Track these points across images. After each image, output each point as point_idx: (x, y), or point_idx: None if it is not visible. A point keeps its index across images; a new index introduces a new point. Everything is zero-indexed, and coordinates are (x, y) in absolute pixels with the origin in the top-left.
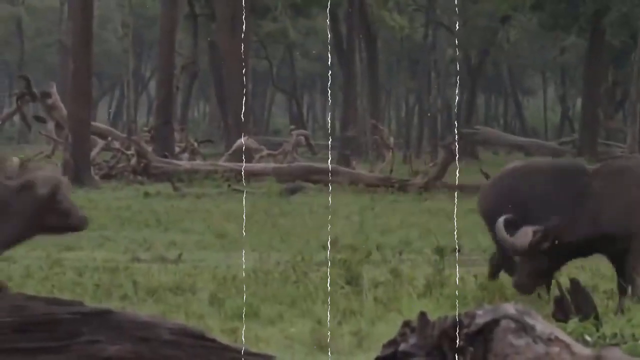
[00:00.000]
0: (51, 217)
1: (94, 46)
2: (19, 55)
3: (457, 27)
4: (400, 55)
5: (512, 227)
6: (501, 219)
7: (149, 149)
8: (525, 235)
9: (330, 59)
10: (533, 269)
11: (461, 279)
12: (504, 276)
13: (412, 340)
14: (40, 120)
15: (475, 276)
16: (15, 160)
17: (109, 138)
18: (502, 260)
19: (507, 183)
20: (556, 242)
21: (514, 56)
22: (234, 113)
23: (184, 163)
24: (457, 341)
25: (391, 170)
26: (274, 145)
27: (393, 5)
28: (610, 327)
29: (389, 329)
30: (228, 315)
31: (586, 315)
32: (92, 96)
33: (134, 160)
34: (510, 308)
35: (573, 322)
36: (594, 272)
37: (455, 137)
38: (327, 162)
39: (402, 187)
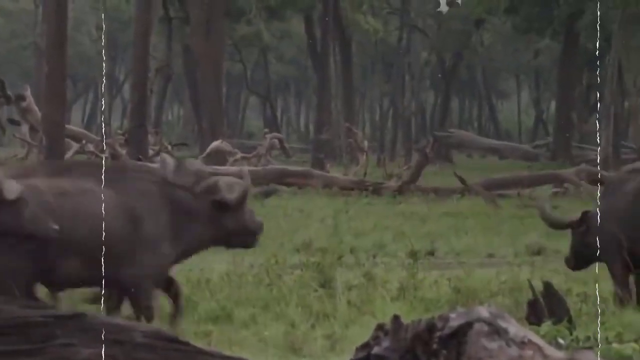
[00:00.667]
0: (234, 223)
1: (68, 49)
2: None
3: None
4: (374, 58)
5: None
6: (543, 198)
7: (123, 152)
8: (574, 215)
9: (304, 62)
10: (574, 249)
11: (435, 282)
12: (477, 279)
13: (386, 343)
14: (14, 123)
15: (449, 279)
16: (197, 163)
17: (83, 141)
18: (573, 262)
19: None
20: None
21: (488, 59)
22: (208, 116)
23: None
24: (431, 344)
25: (365, 174)
26: (248, 148)
27: (367, 8)
28: (583, 330)
29: (362, 332)
30: (202, 318)
31: (559, 318)
32: (66, 99)
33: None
34: (483, 311)
35: (546, 325)
36: (567, 275)
37: (429, 140)
38: (301, 166)
39: (376, 190)
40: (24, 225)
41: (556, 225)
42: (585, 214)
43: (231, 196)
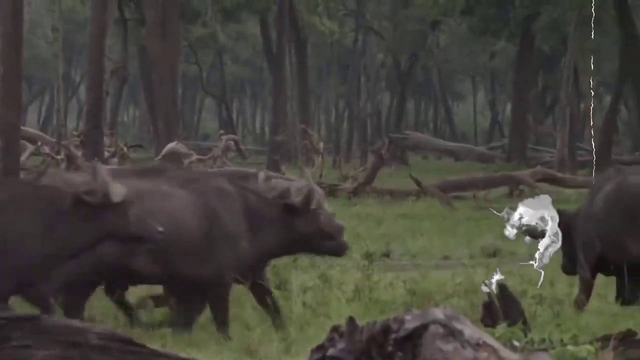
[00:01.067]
0: (307, 226)
1: (24, 51)
2: None
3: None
4: (330, 60)
5: None
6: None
7: (79, 153)
8: None
9: (260, 64)
10: (565, 252)
11: (390, 284)
12: (432, 281)
13: (341, 345)
14: None
15: (404, 281)
16: (264, 172)
17: (39, 143)
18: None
19: None
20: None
21: (444, 61)
22: (163, 118)
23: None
24: (386, 346)
25: (321, 175)
26: (204, 150)
27: (323, 10)
28: (538, 332)
29: (317, 334)
30: (157, 320)
31: (514, 320)
32: (21, 100)
33: (63, 165)
34: (438, 313)
35: (501, 327)
36: (522, 277)
37: (384, 142)
38: (257, 167)
39: (332, 191)
40: (130, 227)
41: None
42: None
43: (297, 199)
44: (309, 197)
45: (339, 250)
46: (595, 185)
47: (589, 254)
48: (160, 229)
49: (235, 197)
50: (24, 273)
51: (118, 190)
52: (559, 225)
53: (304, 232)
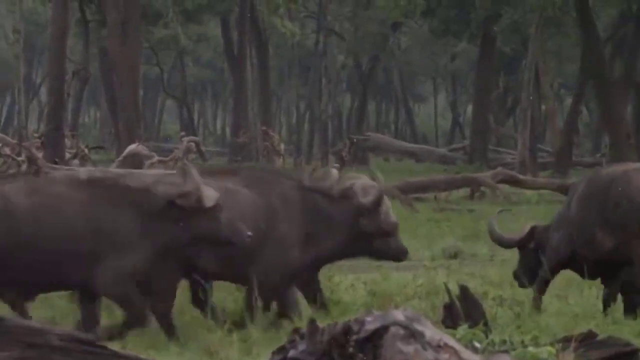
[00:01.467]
0: (370, 226)
1: None
2: None
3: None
4: (291, 61)
5: None
6: (493, 216)
7: (40, 155)
8: (522, 231)
9: (221, 65)
10: (526, 265)
11: (351, 285)
12: (393, 282)
13: (302, 346)
14: None
15: (365, 283)
16: (334, 171)
17: (0, 144)
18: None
19: None
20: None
21: (405, 63)
22: (124, 119)
23: (75, 169)
24: (347, 348)
25: None
26: (165, 151)
27: (284, 11)
28: (499, 333)
29: (278, 336)
30: (118, 322)
31: (475, 321)
32: None
33: (24, 167)
34: (399, 315)
35: (462, 329)
36: (483, 278)
37: (345, 143)
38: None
39: None
40: (221, 231)
41: (507, 245)
42: (533, 229)
43: (367, 199)
44: (379, 197)
45: (399, 255)
46: (573, 186)
47: (555, 256)
48: (249, 233)
49: (299, 198)
50: None
51: (211, 194)
52: (531, 238)
53: (368, 232)
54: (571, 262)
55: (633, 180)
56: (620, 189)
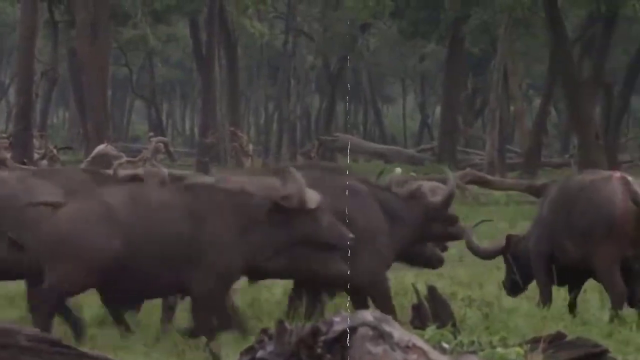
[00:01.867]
0: (438, 225)
1: None
2: None
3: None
4: (260, 62)
5: None
6: (470, 228)
7: (8, 155)
8: (498, 242)
9: (190, 66)
10: (508, 275)
11: None
12: None
13: (270, 347)
14: None
15: None
16: (398, 170)
17: None
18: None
19: None
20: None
21: (374, 64)
22: (93, 120)
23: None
24: (315, 349)
25: None
26: (134, 152)
27: (253, 12)
28: (467, 334)
29: (247, 337)
30: (87, 322)
31: (444, 322)
32: None
33: None
34: (367, 315)
35: (431, 330)
36: (452, 279)
37: (314, 144)
38: (186, 169)
39: None
40: (323, 233)
41: (484, 256)
42: (509, 239)
43: (437, 199)
44: (450, 197)
45: (437, 263)
46: (545, 189)
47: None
48: (350, 235)
49: (367, 196)
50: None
51: (313, 197)
52: (508, 248)
53: (436, 234)
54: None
55: (599, 190)
56: (587, 198)
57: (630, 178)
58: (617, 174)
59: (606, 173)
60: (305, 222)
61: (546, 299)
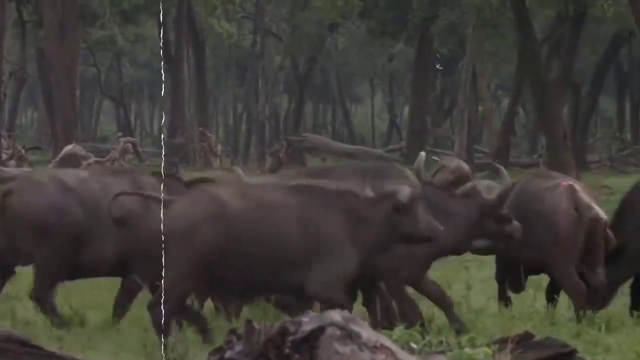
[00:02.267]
0: (491, 223)
1: None
2: None
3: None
4: (228, 62)
5: None
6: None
7: None
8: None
9: (158, 66)
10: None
11: None
12: None
13: (239, 347)
14: None
15: None
16: (422, 155)
17: None
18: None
19: None
20: None
21: (342, 64)
22: (61, 120)
23: (11, 170)
24: (283, 349)
25: None
26: (102, 152)
27: (221, 12)
28: (436, 334)
29: (215, 337)
30: (55, 322)
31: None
32: None
33: None
34: (335, 315)
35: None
36: None
37: (282, 144)
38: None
39: None
40: (420, 228)
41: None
42: None
43: (490, 197)
44: (505, 195)
45: None
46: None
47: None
48: (442, 227)
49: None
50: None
51: (405, 192)
52: None
53: (490, 232)
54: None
55: (546, 199)
56: (535, 209)
57: (577, 186)
58: (566, 182)
59: (556, 181)
60: (404, 217)
61: (502, 296)
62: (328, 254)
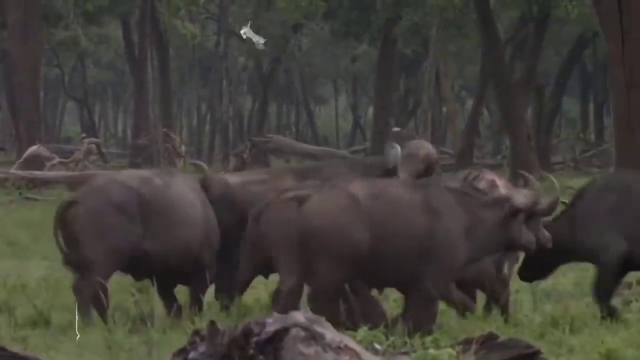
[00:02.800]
0: (517, 231)
1: None
2: None
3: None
4: (192, 63)
5: None
6: None
7: None
8: None
9: (122, 67)
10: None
11: (252, 287)
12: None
13: (202, 348)
14: None
15: (266, 284)
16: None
17: None
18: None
19: None
20: None
21: (306, 64)
22: (25, 121)
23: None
24: (247, 350)
25: None
26: (66, 153)
27: (185, 13)
28: (400, 335)
29: (179, 338)
30: (19, 323)
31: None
32: None
33: None
34: (299, 316)
35: (363, 331)
36: None
37: (246, 145)
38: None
39: None
40: (522, 235)
41: None
42: None
43: (522, 201)
44: (535, 201)
45: None
46: None
47: None
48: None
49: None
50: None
51: (523, 198)
52: None
53: (512, 238)
54: None
55: None
56: None
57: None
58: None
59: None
60: (514, 223)
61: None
62: (445, 251)
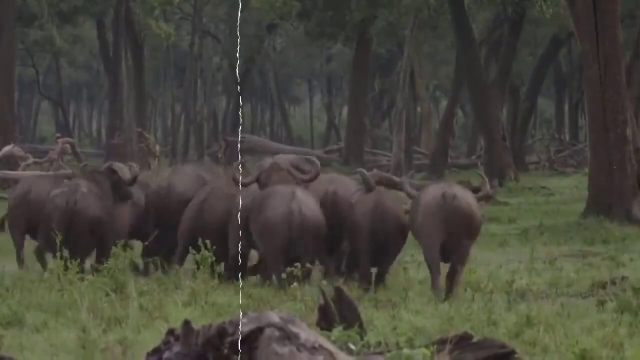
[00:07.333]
0: None
1: None
2: None
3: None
4: (166, 63)
5: None
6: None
7: None
8: None
9: (97, 67)
10: None
11: (227, 287)
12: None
13: (177, 348)
14: None
15: (242, 285)
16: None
17: None
18: None
19: None
20: None
21: (281, 65)
22: None
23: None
24: (222, 349)
25: None
26: (40, 153)
27: (159, 13)
28: (374, 335)
29: (154, 337)
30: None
31: (350, 323)
32: None
33: None
34: (274, 316)
35: (337, 331)
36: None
37: (221, 145)
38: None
39: None
40: None
41: None
42: None
43: None
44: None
45: None
46: None
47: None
48: None
49: None
50: None
51: None
52: None
53: None
54: None
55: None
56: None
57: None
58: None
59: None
60: None
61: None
62: None
